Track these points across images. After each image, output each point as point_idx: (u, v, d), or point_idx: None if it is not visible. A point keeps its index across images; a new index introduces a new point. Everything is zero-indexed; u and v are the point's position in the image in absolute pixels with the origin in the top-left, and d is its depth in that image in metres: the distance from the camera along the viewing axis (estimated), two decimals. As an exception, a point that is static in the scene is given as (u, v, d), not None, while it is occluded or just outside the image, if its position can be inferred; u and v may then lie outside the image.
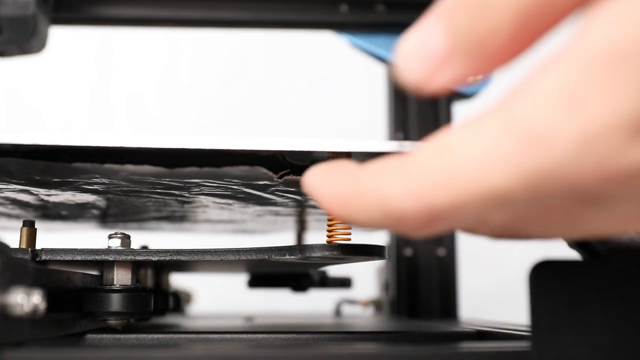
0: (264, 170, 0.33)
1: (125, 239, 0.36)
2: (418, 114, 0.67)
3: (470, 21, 0.19)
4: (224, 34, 0.83)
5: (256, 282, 0.63)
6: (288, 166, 0.33)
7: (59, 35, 0.63)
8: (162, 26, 0.67)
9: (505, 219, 0.21)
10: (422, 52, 0.19)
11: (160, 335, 0.34)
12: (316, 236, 0.53)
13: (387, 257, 0.34)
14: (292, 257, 0.33)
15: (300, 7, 0.65)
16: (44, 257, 0.34)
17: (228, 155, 0.31)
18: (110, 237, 0.36)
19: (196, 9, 0.65)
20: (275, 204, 0.41)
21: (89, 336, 0.33)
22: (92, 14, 0.63)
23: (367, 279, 0.76)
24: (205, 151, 0.29)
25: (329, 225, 0.33)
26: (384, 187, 0.20)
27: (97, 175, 0.33)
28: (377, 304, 0.75)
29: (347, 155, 0.30)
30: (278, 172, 0.33)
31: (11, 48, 0.56)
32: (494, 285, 1.05)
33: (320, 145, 0.29)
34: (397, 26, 0.66)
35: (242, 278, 0.66)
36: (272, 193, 0.37)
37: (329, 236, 0.33)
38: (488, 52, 0.19)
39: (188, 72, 1.18)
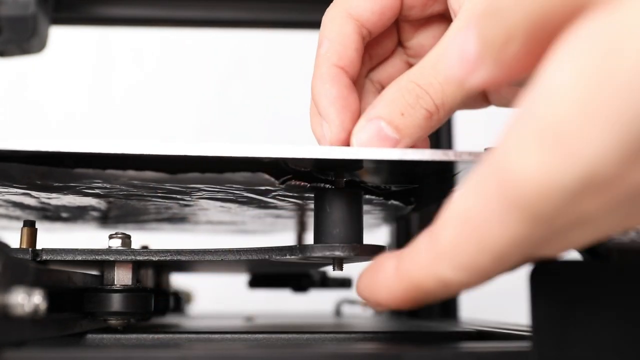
0: (266, 176, 0.33)
1: (126, 239, 0.36)
2: (418, 114, 0.67)
3: (492, 29, 0.22)
4: (224, 34, 0.83)
5: (257, 282, 0.63)
6: (290, 172, 0.33)
7: (59, 36, 0.63)
8: (162, 26, 0.67)
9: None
10: (460, 56, 0.24)
11: (160, 335, 0.34)
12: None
13: (387, 257, 0.34)
14: (292, 257, 0.33)
15: (300, 7, 0.65)
16: (44, 257, 0.34)
17: (230, 162, 0.31)
18: (110, 237, 0.36)
19: (196, 9, 0.65)
20: (276, 207, 0.41)
21: (90, 336, 0.33)
22: (92, 14, 0.63)
23: (367, 278, 0.76)
24: (207, 158, 0.29)
25: None
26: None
27: (99, 181, 0.33)
28: (377, 304, 0.74)
29: (357, 163, 0.30)
30: (280, 178, 0.33)
31: (11, 48, 0.56)
32: (494, 285, 1.05)
33: (323, 152, 0.29)
34: (397, 26, 0.66)
35: (242, 278, 0.66)
36: (273, 197, 0.37)
37: None
38: (507, 59, 0.22)
39: (188, 72, 1.18)
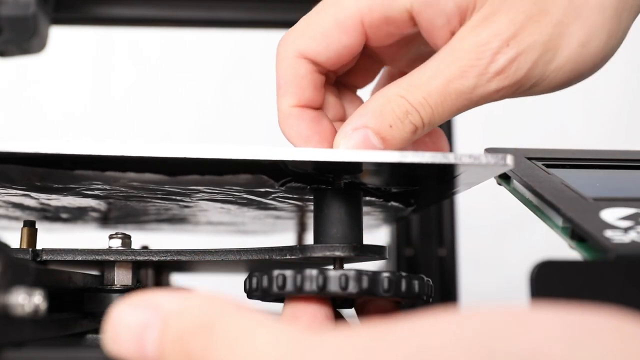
0: (266, 178, 0.33)
1: (126, 239, 0.36)
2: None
3: None
4: (224, 34, 0.83)
5: (256, 282, 0.63)
6: (289, 174, 0.33)
7: (59, 36, 0.63)
8: (162, 26, 0.67)
9: None
10: None
11: (160, 336, 0.34)
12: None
13: (387, 257, 0.34)
14: (292, 257, 0.33)
15: (301, 7, 0.65)
16: (44, 257, 0.34)
17: (230, 164, 0.30)
18: (110, 237, 0.36)
19: (196, 9, 0.65)
20: (275, 208, 0.41)
21: (90, 336, 0.33)
22: (92, 14, 0.63)
23: (367, 279, 0.76)
24: (206, 160, 0.28)
25: None
26: None
27: (98, 182, 0.33)
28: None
29: (357, 165, 0.30)
30: (280, 180, 0.33)
31: (11, 48, 0.56)
32: (494, 285, 1.05)
33: (324, 155, 0.29)
34: (397, 26, 0.66)
35: (242, 278, 0.66)
36: (273, 199, 0.37)
37: None
38: None
39: (188, 73, 1.18)
